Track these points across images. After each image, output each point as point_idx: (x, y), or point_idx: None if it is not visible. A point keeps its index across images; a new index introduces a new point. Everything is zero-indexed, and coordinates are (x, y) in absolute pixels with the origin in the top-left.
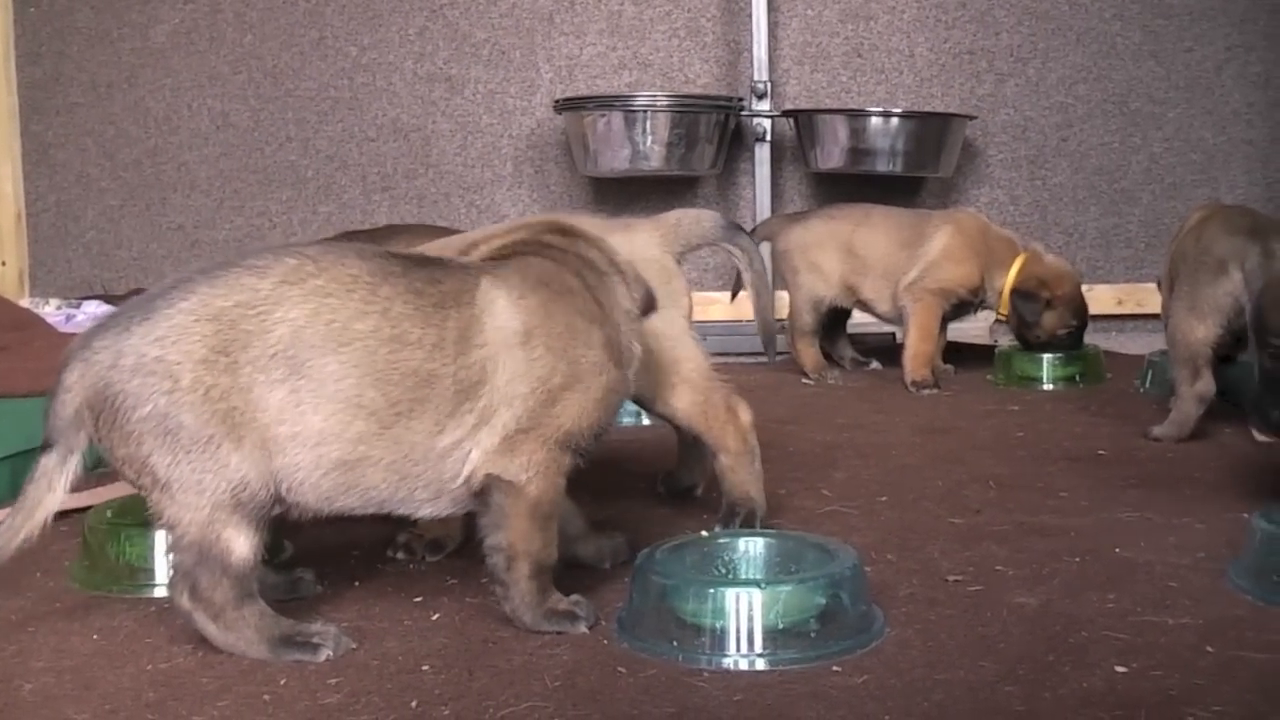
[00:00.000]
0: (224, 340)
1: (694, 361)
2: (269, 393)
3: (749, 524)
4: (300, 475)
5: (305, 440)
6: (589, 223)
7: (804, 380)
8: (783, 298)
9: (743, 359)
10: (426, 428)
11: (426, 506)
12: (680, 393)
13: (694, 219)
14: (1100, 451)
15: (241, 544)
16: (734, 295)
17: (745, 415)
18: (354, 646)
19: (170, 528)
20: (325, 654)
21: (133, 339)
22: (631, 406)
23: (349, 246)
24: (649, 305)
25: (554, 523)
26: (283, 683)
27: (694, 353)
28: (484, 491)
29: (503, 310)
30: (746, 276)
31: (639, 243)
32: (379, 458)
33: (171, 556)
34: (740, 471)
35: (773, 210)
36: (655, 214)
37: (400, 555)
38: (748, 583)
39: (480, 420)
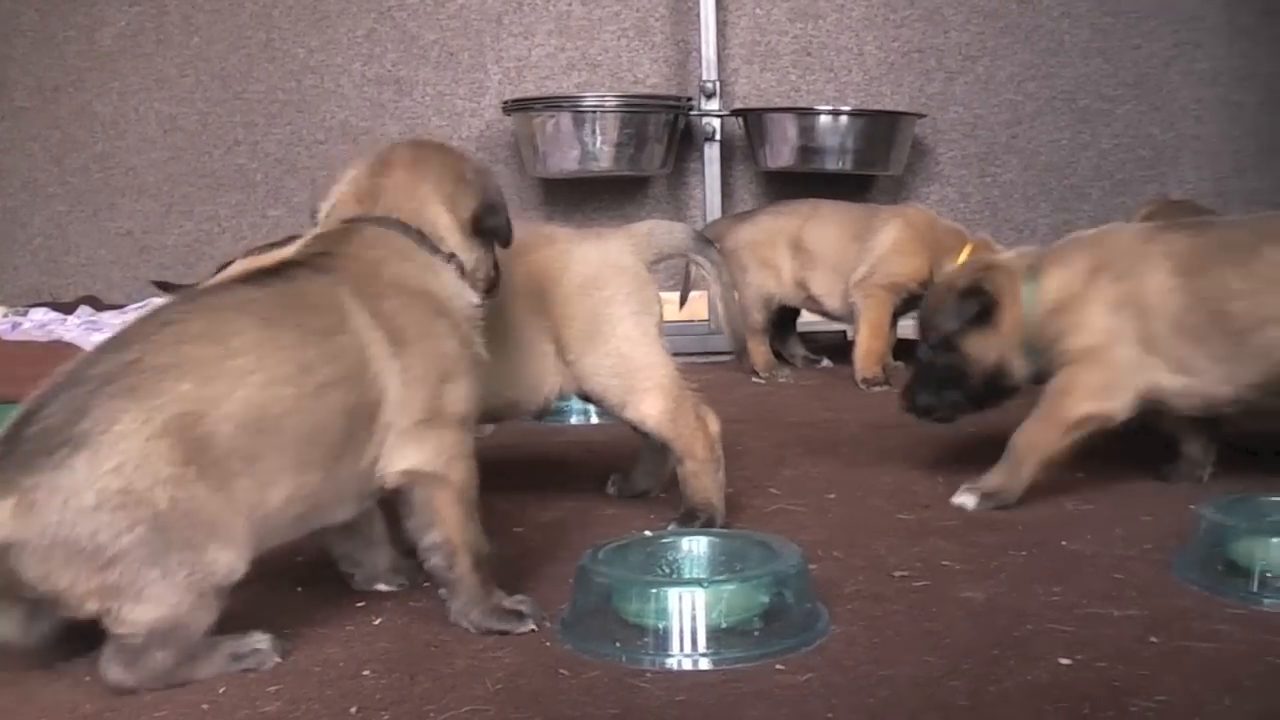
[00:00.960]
0: (184, 453)
1: (665, 369)
2: (235, 484)
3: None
4: (266, 539)
5: (272, 513)
6: (564, 232)
7: (755, 379)
8: None
9: (693, 359)
10: (352, 460)
11: (340, 515)
12: (651, 399)
13: (666, 229)
14: None
15: (209, 618)
16: (682, 302)
17: (714, 425)
18: (290, 652)
19: (133, 624)
20: (272, 660)
21: (79, 473)
22: (580, 405)
23: (214, 297)
24: (491, 285)
25: (477, 509)
26: (222, 691)
27: (665, 361)
28: (403, 492)
29: (369, 323)
30: (715, 289)
31: (612, 250)
32: (325, 500)
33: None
34: (704, 478)
35: (723, 210)
36: (606, 215)
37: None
38: (691, 582)
39: (387, 432)
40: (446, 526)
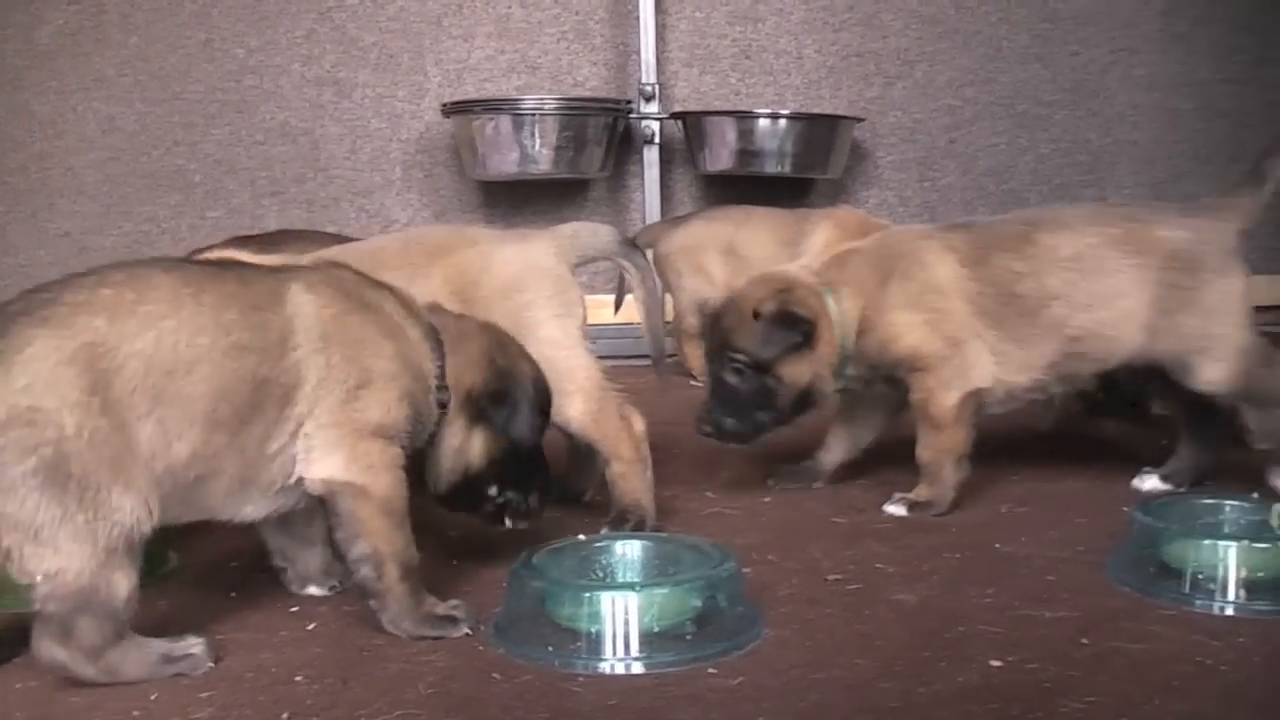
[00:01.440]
0: (90, 381)
1: (587, 371)
2: (139, 428)
3: (639, 530)
4: (170, 502)
5: (175, 469)
6: (486, 234)
7: (691, 383)
8: (667, 300)
9: (631, 362)
10: (259, 434)
11: (249, 509)
12: (574, 402)
13: (591, 232)
14: (986, 447)
15: (126, 582)
16: (617, 306)
17: (639, 424)
18: (221, 657)
19: (45, 578)
20: (205, 665)
21: None
22: None
23: (145, 262)
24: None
25: (407, 520)
26: (154, 698)
27: (587, 363)
28: (329, 502)
29: (309, 315)
30: (638, 294)
31: (534, 252)
32: (227, 470)
33: (43, 605)
34: (632, 479)
35: (663, 212)
36: (545, 217)
37: (279, 563)
38: (623, 586)
39: (298, 425)
40: (373, 538)
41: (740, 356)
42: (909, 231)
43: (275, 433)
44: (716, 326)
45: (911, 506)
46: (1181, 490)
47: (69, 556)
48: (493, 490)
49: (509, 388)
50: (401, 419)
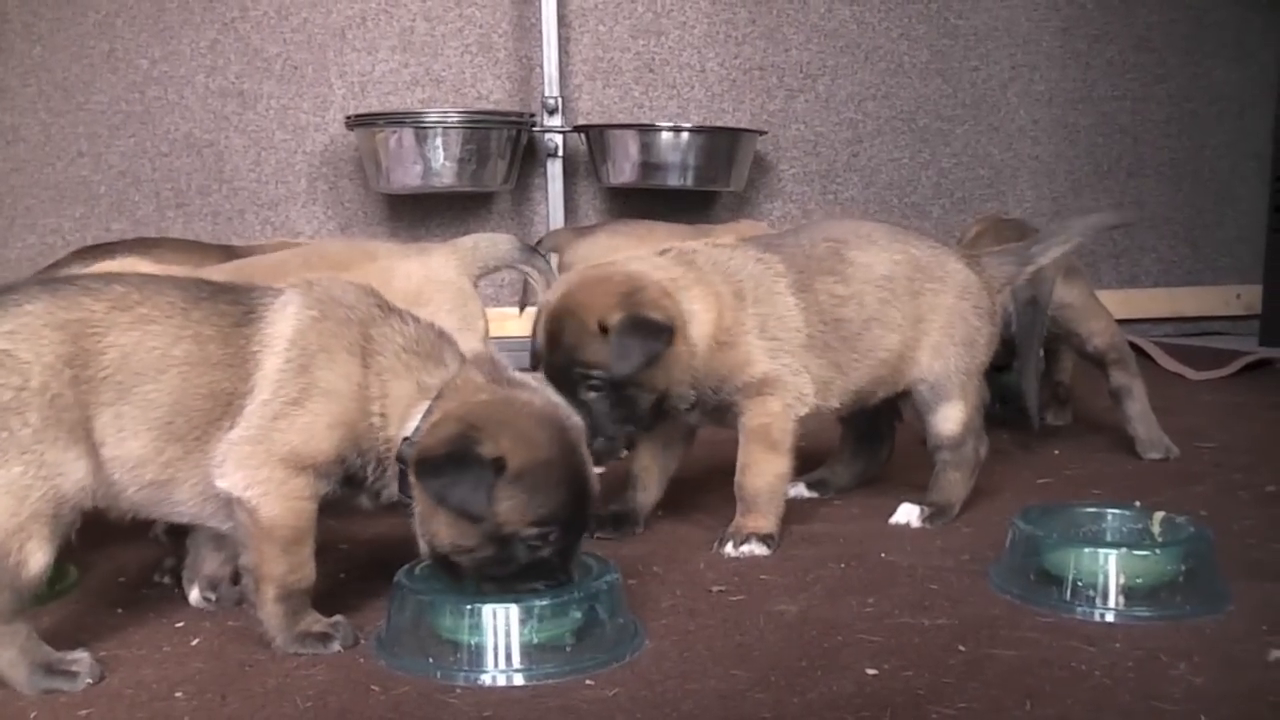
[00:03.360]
0: (69, 352)
1: None
2: (98, 414)
3: None
4: (115, 490)
5: (124, 463)
6: (386, 248)
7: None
8: None
9: (536, 374)
10: (215, 446)
11: (184, 507)
12: None
13: (490, 242)
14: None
15: (39, 559)
16: (522, 308)
17: None
18: (105, 675)
19: None
20: (84, 682)
21: None
22: None
23: (165, 275)
24: None
25: (302, 547)
26: (33, 716)
27: None
28: (229, 505)
29: (286, 317)
30: (541, 298)
31: (435, 265)
32: (187, 479)
33: None
34: None
35: (566, 225)
36: (449, 230)
37: (166, 580)
38: (503, 599)
39: (233, 426)
40: (254, 555)
41: (595, 374)
42: (751, 255)
43: (215, 439)
44: (557, 343)
45: (755, 542)
46: (826, 497)
47: None
48: (471, 577)
49: (449, 453)
50: (325, 449)
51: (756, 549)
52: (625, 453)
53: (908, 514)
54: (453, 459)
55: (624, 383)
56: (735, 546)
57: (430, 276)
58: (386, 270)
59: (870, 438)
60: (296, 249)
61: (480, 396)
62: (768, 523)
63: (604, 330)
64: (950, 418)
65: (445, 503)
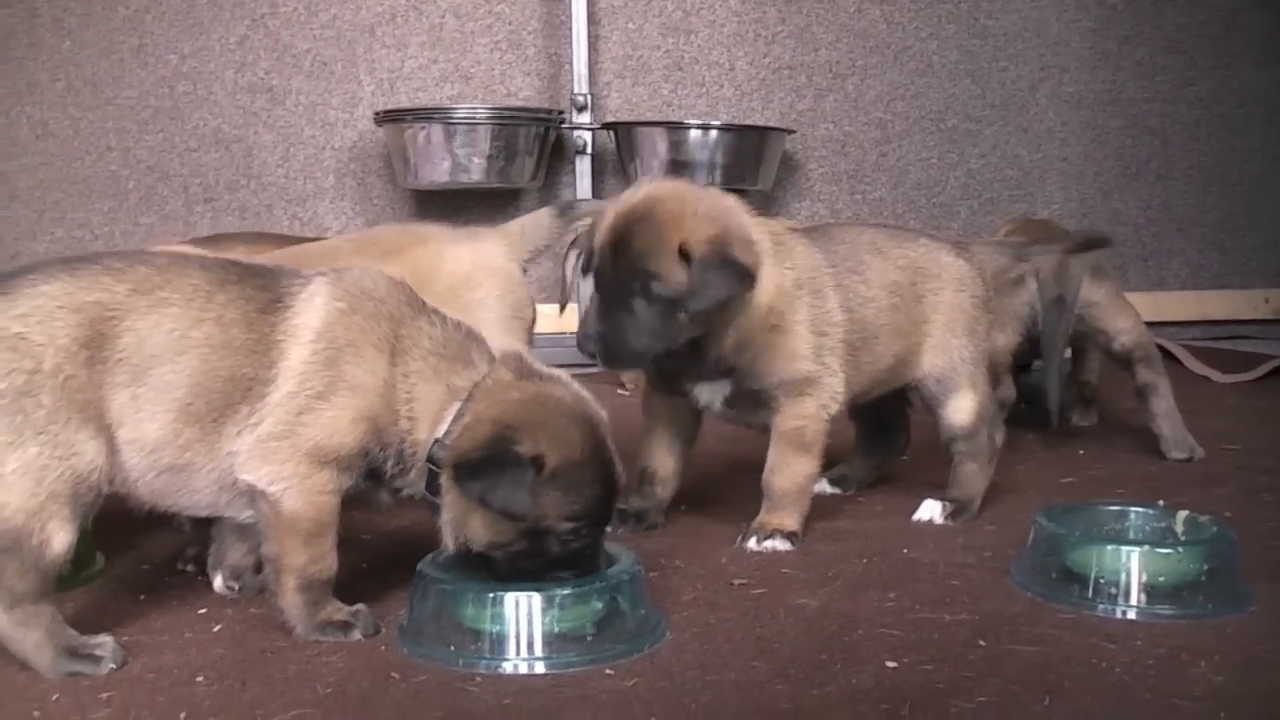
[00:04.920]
0: (85, 335)
1: None
2: (114, 395)
3: None
4: (134, 476)
5: (141, 446)
6: (437, 232)
7: (619, 391)
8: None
9: (568, 370)
10: (232, 434)
11: (201, 496)
12: None
13: (534, 223)
14: (903, 456)
15: (62, 539)
16: (562, 307)
17: None
18: (129, 660)
19: None
20: (107, 666)
21: None
22: None
23: (195, 257)
24: None
25: (324, 539)
26: (54, 699)
27: None
28: (251, 497)
29: (314, 308)
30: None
31: (484, 251)
32: (202, 464)
33: None
34: None
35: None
36: (477, 226)
37: (189, 568)
38: (525, 587)
39: (253, 427)
40: (275, 546)
41: (660, 288)
42: (801, 239)
43: (229, 428)
44: (625, 246)
45: (767, 536)
46: (850, 493)
47: (10, 490)
48: (503, 570)
49: (491, 455)
50: (348, 443)
51: (779, 544)
52: (630, 387)
53: (930, 510)
54: (491, 461)
55: (683, 310)
56: (759, 541)
57: (479, 262)
58: (436, 254)
59: (885, 429)
60: (350, 235)
61: (511, 395)
62: (792, 520)
63: (683, 254)
64: (961, 409)
65: (487, 504)
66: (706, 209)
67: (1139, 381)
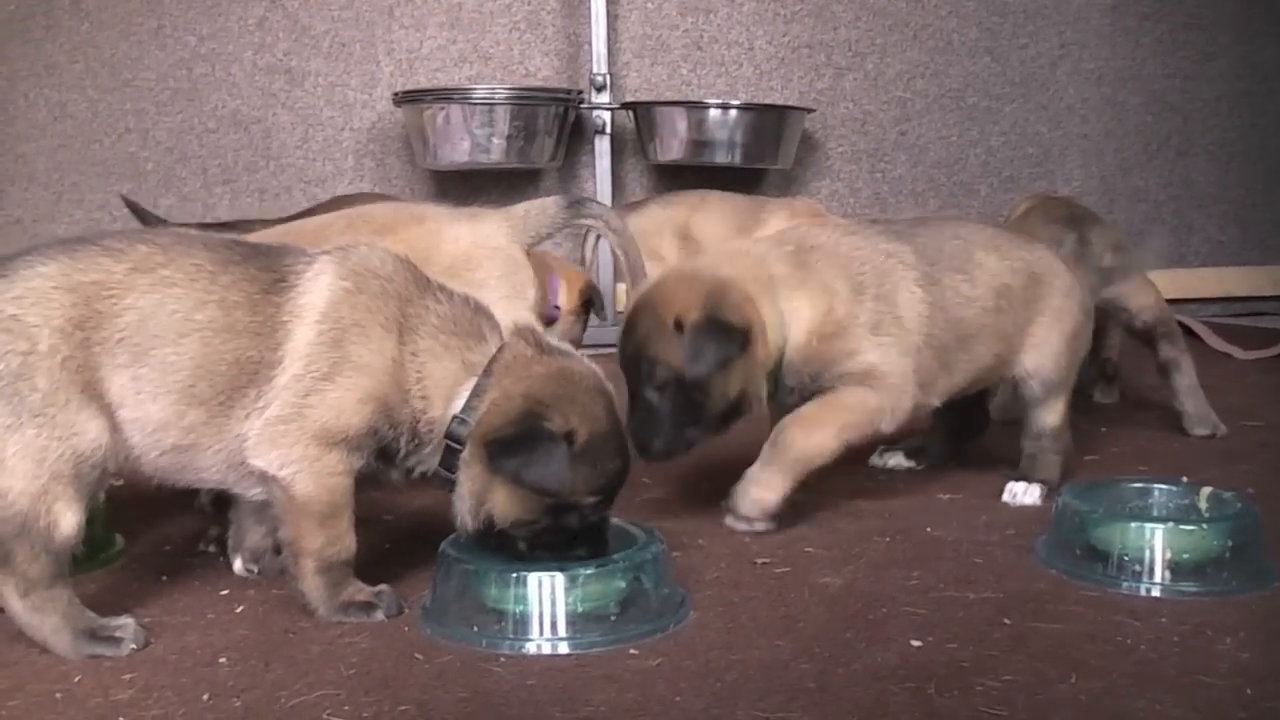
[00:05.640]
0: (81, 315)
1: None
2: (113, 376)
3: None
4: (138, 453)
5: (144, 426)
6: (435, 211)
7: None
8: (620, 288)
9: (582, 351)
10: (240, 415)
11: (209, 473)
12: None
13: (540, 209)
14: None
15: (69, 519)
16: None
17: None
18: (151, 641)
19: None
20: (128, 648)
21: None
22: None
23: (198, 236)
24: None
25: (339, 520)
26: (76, 680)
27: None
28: (264, 482)
29: (319, 288)
30: (610, 239)
31: (485, 231)
32: (210, 445)
33: None
34: None
35: (614, 203)
36: (496, 207)
37: (211, 549)
38: (548, 567)
39: (261, 410)
40: (291, 530)
41: (662, 370)
42: (873, 241)
43: (253, 411)
44: (631, 333)
45: (758, 512)
46: (920, 467)
47: (12, 474)
48: (521, 547)
49: (525, 432)
50: (355, 423)
51: (737, 524)
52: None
53: (1027, 491)
54: (526, 437)
55: (692, 384)
56: (735, 519)
57: (479, 242)
58: (434, 234)
59: (965, 406)
60: (342, 211)
61: (536, 370)
62: (774, 491)
63: (679, 328)
64: (1056, 410)
65: (522, 481)
66: (700, 281)
67: (1161, 358)
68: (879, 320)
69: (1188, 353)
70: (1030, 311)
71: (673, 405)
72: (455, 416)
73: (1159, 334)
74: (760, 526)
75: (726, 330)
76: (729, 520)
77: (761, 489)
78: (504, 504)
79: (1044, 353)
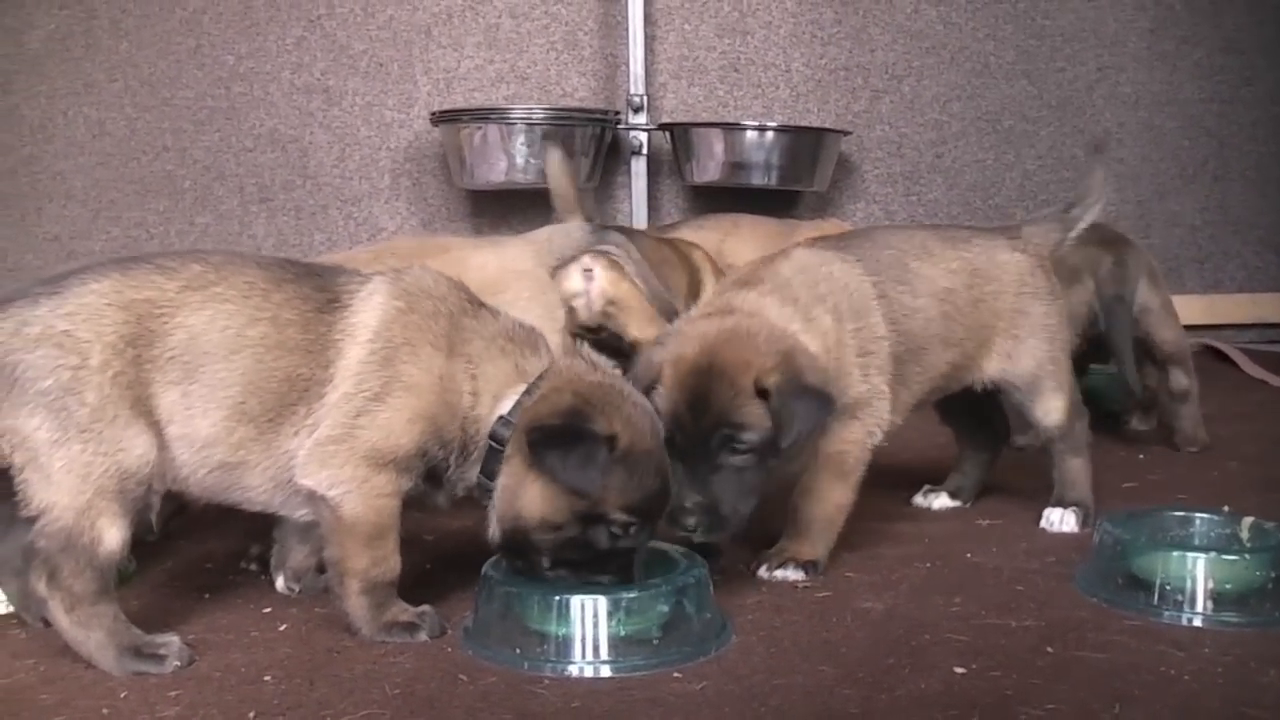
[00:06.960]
0: (133, 332)
1: None
2: (163, 393)
3: None
4: (185, 472)
5: (192, 442)
6: (459, 240)
7: None
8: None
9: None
10: (289, 433)
11: (257, 494)
12: None
13: (564, 233)
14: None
15: (113, 535)
16: None
17: None
18: (195, 658)
19: (39, 511)
20: (172, 665)
21: (40, 310)
22: None
23: (251, 255)
24: None
25: (385, 541)
26: (123, 696)
27: None
28: (312, 503)
29: (372, 307)
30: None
31: (510, 255)
32: (257, 462)
33: (35, 540)
34: None
35: (649, 224)
36: (532, 227)
37: (253, 567)
38: (591, 590)
39: (311, 429)
40: (337, 550)
41: (749, 438)
42: (842, 263)
43: (303, 429)
44: (704, 404)
45: (780, 565)
46: (967, 505)
47: (58, 489)
48: (545, 561)
49: (569, 425)
50: (405, 443)
51: (791, 574)
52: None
53: (1063, 519)
54: (568, 431)
55: (779, 450)
56: (770, 570)
57: (506, 266)
58: (460, 261)
59: (981, 424)
60: (368, 246)
61: (588, 378)
62: (814, 550)
63: (761, 392)
64: (1053, 408)
65: (557, 474)
66: (766, 339)
67: (1177, 387)
68: (862, 344)
69: (1195, 378)
70: (981, 311)
71: (750, 476)
72: (501, 417)
73: (1175, 362)
74: (796, 576)
75: (816, 392)
76: (762, 571)
77: (798, 547)
78: (534, 500)
79: (1008, 350)
